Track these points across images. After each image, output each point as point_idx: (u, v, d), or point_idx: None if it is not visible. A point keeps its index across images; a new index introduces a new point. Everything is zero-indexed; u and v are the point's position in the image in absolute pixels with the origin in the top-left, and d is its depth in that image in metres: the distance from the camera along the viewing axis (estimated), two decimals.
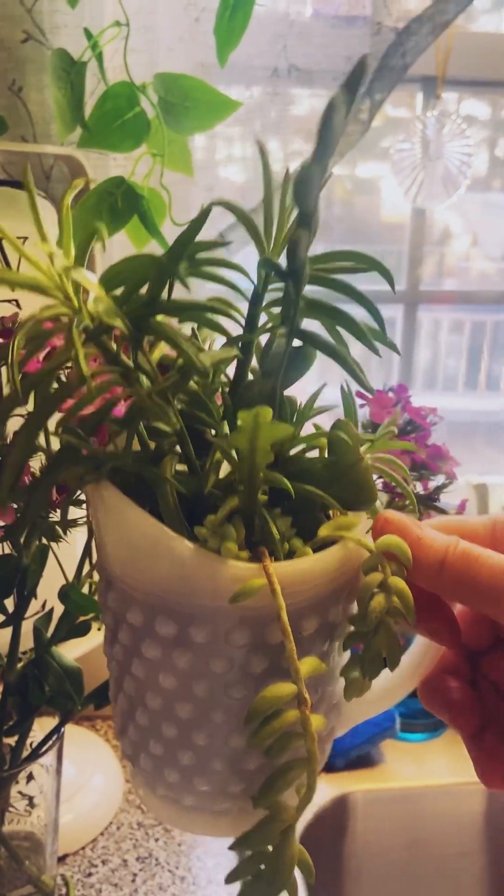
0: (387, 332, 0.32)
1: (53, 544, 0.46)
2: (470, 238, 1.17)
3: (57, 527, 0.44)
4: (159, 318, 0.28)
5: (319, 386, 0.34)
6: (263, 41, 0.78)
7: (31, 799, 0.55)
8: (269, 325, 0.32)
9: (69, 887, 0.68)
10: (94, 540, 0.31)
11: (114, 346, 0.28)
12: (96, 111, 0.65)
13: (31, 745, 0.53)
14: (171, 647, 0.28)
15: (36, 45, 0.71)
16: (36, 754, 0.52)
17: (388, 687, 0.34)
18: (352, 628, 0.30)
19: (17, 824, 0.57)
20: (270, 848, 0.27)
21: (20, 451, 0.28)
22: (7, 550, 0.47)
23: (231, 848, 0.28)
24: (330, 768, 0.83)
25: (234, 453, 0.29)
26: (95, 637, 0.52)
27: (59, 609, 0.50)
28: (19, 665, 0.51)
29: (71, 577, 0.50)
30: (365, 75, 0.27)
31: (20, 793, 0.55)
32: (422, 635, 0.31)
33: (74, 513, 0.45)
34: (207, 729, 0.29)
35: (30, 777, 0.54)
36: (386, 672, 0.31)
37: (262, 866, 0.27)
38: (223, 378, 0.33)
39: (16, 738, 0.52)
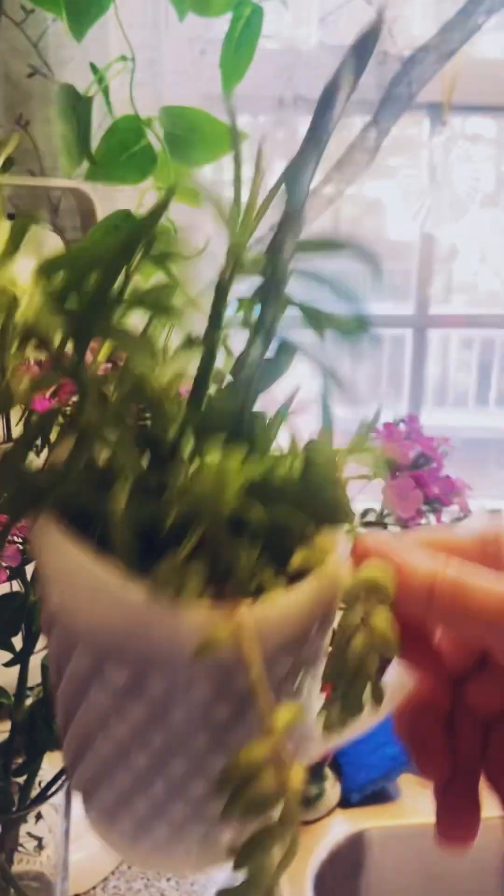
0: (381, 344, 0.29)
1: None
2: (478, 255, 1.17)
3: None
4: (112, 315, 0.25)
5: (291, 393, 0.30)
6: (269, 72, 0.79)
7: (40, 840, 0.54)
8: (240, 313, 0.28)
9: None
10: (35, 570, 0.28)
11: (55, 346, 0.25)
12: (103, 144, 0.66)
13: (39, 783, 0.52)
14: (124, 697, 0.25)
15: (42, 79, 0.71)
16: (44, 795, 0.51)
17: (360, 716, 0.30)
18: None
19: (27, 864, 0.56)
20: None
21: None
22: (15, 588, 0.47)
23: None
24: (345, 804, 0.81)
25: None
26: None
27: None
28: (27, 703, 0.50)
29: None
30: (376, 41, 0.24)
31: (29, 833, 0.54)
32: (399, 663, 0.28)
33: None
34: (166, 778, 0.26)
35: (38, 816, 0.53)
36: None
37: None
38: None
39: (24, 777, 0.51)
